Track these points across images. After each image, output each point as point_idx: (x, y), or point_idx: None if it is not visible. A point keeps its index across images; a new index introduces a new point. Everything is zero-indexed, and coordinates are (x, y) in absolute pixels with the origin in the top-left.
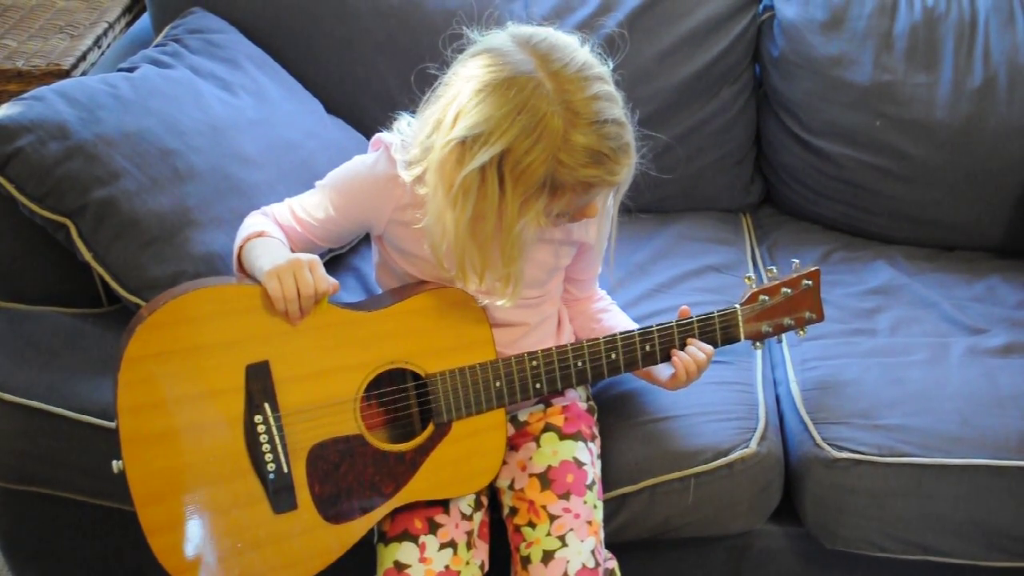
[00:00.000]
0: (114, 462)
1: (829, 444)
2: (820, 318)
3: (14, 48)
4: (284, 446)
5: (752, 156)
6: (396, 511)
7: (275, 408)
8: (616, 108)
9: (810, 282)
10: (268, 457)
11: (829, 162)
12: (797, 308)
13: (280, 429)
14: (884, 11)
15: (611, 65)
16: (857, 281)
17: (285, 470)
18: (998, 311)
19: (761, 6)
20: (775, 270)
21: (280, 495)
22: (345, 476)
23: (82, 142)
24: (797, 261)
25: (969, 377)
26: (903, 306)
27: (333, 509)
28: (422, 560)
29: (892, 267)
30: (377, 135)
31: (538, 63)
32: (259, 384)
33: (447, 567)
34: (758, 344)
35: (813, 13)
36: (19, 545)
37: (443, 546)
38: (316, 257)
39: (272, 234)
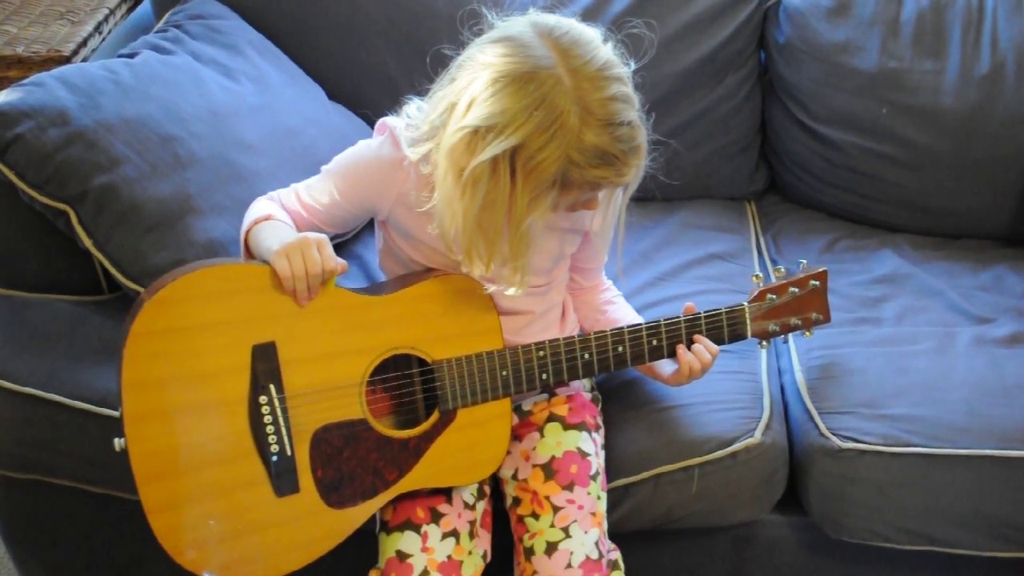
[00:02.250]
0: (116, 440)
1: (834, 434)
2: (827, 319)
3: (14, 34)
4: (288, 428)
5: (757, 144)
6: (398, 500)
7: (280, 389)
8: (631, 111)
9: (817, 283)
10: (272, 439)
11: (835, 150)
12: (804, 308)
13: (284, 411)
14: None
15: (632, 65)
16: (863, 270)
17: (288, 453)
18: (1005, 300)
19: None
20: (783, 270)
21: (282, 478)
22: (348, 461)
23: (82, 128)
24: (804, 261)
25: (975, 367)
26: (909, 295)
27: (335, 494)
28: (424, 550)
29: (898, 256)
30: (382, 119)
31: (559, 58)
32: (265, 365)
33: (449, 557)
34: (764, 343)
35: None
36: (20, 533)
37: (445, 535)
38: (324, 236)
39: (279, 218)
